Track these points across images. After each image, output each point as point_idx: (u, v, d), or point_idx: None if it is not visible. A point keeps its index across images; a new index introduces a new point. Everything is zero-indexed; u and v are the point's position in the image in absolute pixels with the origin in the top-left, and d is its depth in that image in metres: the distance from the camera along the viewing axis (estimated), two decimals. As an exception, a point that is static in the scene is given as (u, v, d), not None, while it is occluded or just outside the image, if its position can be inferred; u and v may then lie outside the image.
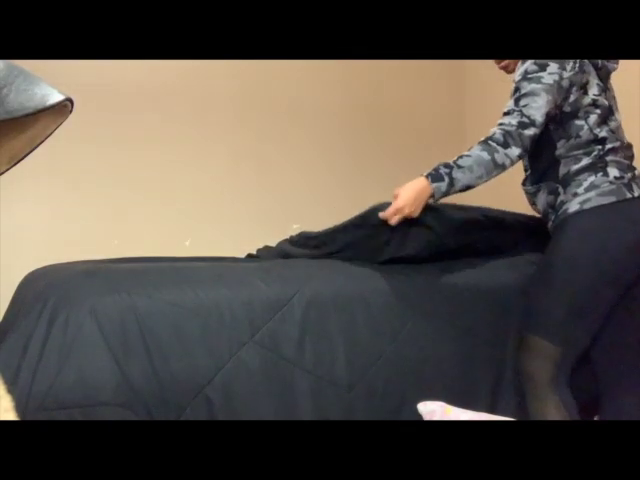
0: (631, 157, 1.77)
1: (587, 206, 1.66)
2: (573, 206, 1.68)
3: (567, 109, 1.72)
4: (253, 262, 2.10)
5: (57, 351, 1.40)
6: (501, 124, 1.68)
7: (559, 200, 1.73)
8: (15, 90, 0.59)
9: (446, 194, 1.67)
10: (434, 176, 1.67)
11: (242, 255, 2.48)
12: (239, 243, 2.54)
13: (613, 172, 1.68)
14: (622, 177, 1.68)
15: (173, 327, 1.49)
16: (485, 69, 3.15)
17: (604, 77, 1.77)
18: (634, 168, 1.74)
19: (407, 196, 1.65)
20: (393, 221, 1.66)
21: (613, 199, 1.65)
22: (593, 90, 1.73)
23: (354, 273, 1.80)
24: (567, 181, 1.72)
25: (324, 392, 1.59)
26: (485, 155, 1.65)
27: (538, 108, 1.67)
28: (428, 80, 3.22)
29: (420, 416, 1.47)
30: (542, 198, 1.79)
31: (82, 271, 1.71)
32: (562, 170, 1.73)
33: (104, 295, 1.50)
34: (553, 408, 1.64)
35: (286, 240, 2.21)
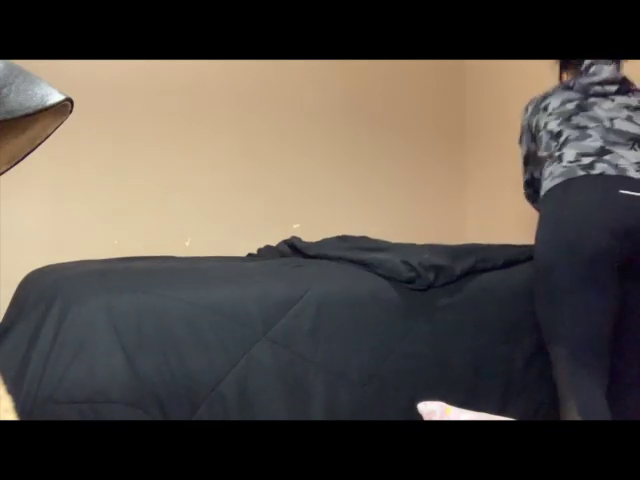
0: (616, 144, 1.69)
1: (542, 193, 1.74)
2: (547, 186, 1.74)
3: (533, 130, 1.91)
4: (261, 262, 2.11)
5: (68, 346, 1.41)
6: None
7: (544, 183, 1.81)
8: (15, 90, 0.59)
9: None
10: None
11: (242, 255, 2.48)
12: (239, 243, 2.55)
13: (568, 157, 1.70)
14: (578, 160, 1.67)
15: (188, 325, 1.50)
16: (485, 69, 3.16)
17: (581, 89, 1.79)
18: (610, 152, 1.66)
19: None
20: None
21: (561, 179, 1.67)
22: (554, 104, 1.83)
23: (364, 272, 1.81)
24: (542, 181, 1.80)
25: (336, 388, 1.60)
26: None
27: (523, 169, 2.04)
28: (428, 80, 3.22)
29: (420, 416, 1.47)
30: None
31: (96, 270, 1.73)
32: (543, 175, 1.83)
33: (120, 293, 1.51)
34: (568, 416, 1.58)
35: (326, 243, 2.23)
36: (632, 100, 1.79)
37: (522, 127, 1.97)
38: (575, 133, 1.73)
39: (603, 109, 1.76)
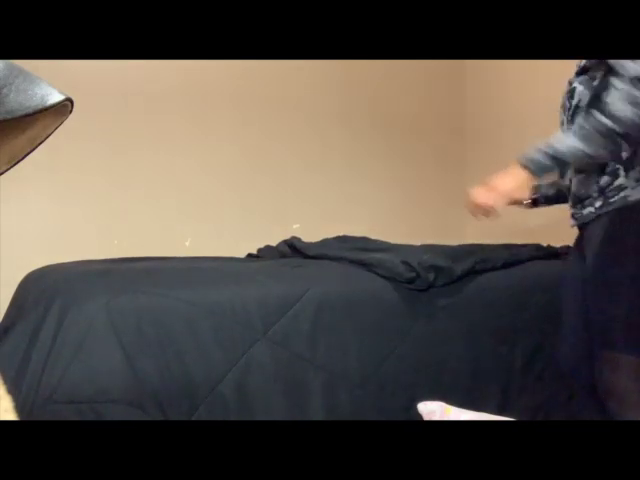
0: None
1: None
2: (635, 194, 1.49)
3: None
4: (261, 262, 2.11)
5: (68, 346, 1.42)
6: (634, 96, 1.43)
7: (616, 184, 1.53)
8: (15, 90, 0.59)
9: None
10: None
11: (242, 255, 2.48)
12: (239, 243, 2.54)
13: None
14: None
15: (187, 325, 1.50)
16: (485, 69, 3.16)
17: None
18: None
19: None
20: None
21: None
22: None
23: (363, 272, 1.81)
24: (632, 164, 1.51)
25: (336, 388, 1.61)
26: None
27: None
28: (428, 80, 3.22)
29: (420, 416, 1.47)
30: (587, 177, 1.58)
31: (96, 270, 1.73)
32: (627, 149, 1.52)
33: (120, 293, 1.51)
34: None
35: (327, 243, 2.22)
36: None
37: None
38: None
39: None
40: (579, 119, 1.52)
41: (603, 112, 1.44)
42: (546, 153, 1.52)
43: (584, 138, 1.47)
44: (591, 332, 1.58)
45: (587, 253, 1.60)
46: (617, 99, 1.43)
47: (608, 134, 1.44)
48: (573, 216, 1.64)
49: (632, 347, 1.48)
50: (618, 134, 1.43)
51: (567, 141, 1.50)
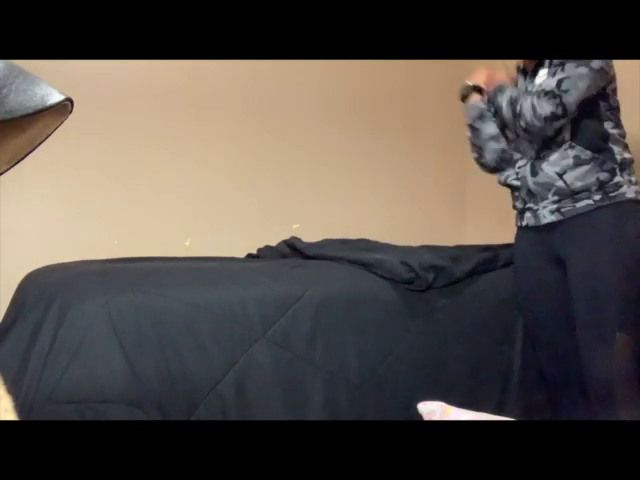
0: None
1: None
2: (630, 193, 1.68)
3: (612, 99, 1.73)
4: (260, 262, 2.11)
5: (68, 346, 1.42)
6: (534, 106, 1.65)
7: (615, 180, 1.68)
8: (15, 90, 0.59)
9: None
10: None
11: (242, 255, 2.48)
12: (239, 243, 2.54)
13: None
14: None
15: (187, 325, 1.50)
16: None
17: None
18: None
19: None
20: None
21: None
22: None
23: (363, 273, 1.81)
24: (624, 165, 1.70)
25: (335, 388, 1.61)
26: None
27: (577, 97, 1.64)
28: (428, 80, 3.21)
29: (420, 416, 1.47)
30: (586, 173, 1.69)
31: (96, 270, 1.73)
32: (619, 153, 1.70)
33: (119, 293, 1.51)
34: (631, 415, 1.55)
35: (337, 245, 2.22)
36: None
37: (611, 75, 1.72)
38: None
39: None
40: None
41: None
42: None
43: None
44: (580, 319, 1.66)
45: (570, 244, 1.70)
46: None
47: None
48: (559, 210, 1.71)
49: (628, 325, 1.60)
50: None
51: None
